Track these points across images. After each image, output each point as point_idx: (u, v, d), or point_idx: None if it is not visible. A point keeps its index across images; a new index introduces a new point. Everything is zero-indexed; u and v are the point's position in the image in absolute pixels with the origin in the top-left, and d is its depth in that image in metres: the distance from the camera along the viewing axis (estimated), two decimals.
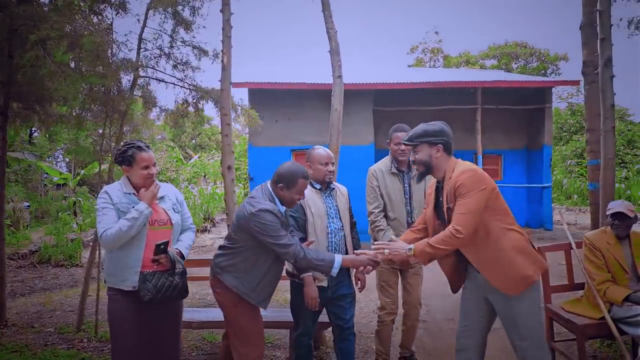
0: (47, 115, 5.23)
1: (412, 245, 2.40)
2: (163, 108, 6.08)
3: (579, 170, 16.84)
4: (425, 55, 30.92)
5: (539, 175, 11.78)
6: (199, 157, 24.22)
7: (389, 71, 15.16)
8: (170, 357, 2.68)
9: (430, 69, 26.43)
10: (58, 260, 8.50)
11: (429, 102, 11.23)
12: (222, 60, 4.30)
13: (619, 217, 3.14)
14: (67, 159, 23.36)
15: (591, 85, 4.22)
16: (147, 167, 2.56)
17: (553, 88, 12.04)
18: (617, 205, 3.17)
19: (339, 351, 3.17)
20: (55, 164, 19.36)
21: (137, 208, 2.46)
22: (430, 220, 2.57)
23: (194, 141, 35.05)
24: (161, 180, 14.45)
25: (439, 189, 2.56)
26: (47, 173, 14.76)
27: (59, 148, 22.59)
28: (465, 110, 11.43)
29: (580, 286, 3.45)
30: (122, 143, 2.70)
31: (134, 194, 2.60)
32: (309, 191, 3.09)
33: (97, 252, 4.86)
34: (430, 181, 2.71)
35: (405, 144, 2.65)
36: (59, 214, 12.79)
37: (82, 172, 13.91)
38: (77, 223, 11.53)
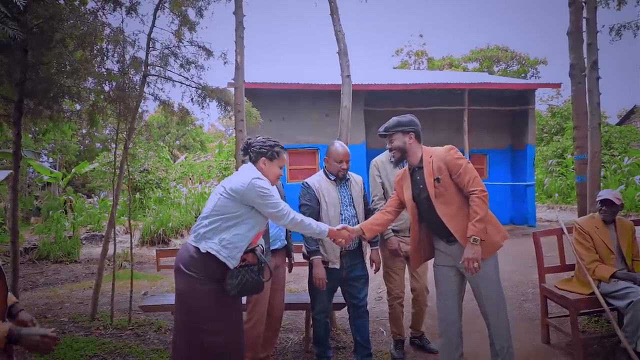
0: (59, 112, 5.36)
1: (471, 238, 2.59)
2: (170, 105, 6.28)
3: (559, 170, 17.47)
4: (410, 57, 31.49)
5: (523, 174, 12.28)
6: (185, 158, 24.22)
7: (379, 73, 15.53)
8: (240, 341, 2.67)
9: (418, 71, 26.94)
10: (57, 257, 8.58)
11: (418, 103, 11.61)
12: (235, 60, 4.53)
13: (607, 204, 3.49)
14: (52, 159, 23.09)
15: (577, 87, 4.59)
16: (281, 168, 2.82)
17: (535, 90, 12.57)
18: (606, 193, 3.52)
19: (354, 327, 3.45)
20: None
21: (322, 230, 2.77)
22: (409, 202, 2.90)
23: (178, 142, 34.89)
24: (151, 180, 14.28)
25: (415, 172, 2.88)
26: (37, 172, 14.62)
27: (42, 149, 22.31)
28: (452, 111, 11.84)
29: (571, 267, 3.80)
30: (261, 137, 2.82)
31: None
32: (324, 181, 3.39)
33: (114, 247, 5.04)
34: (398, 173, 3.08)
35: (381, 135, 2.96)
36: (50, 212, 12.74)
37: (74, 170, 13.86)
38: (69, 221, 11.54)
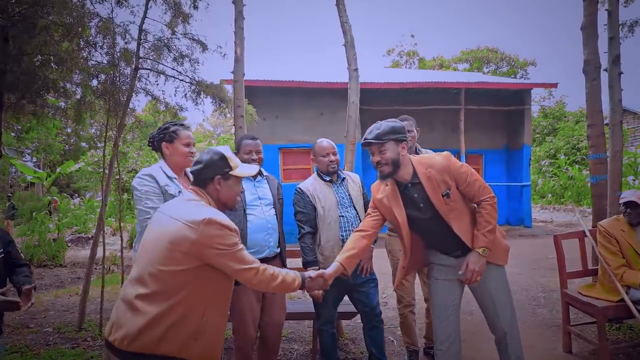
0: (43, 107, 5.03)
1: (480, 249, 2.36)
2: (163, 101, 5.98)
3: (552, 171, 17.46)
4: (402, 58, 31.42)
5: (519, 174, 12.17)
6: None
7: (374, 71, 15.34)
8: None
9: (415, 70, 26.84)
10: (41, 261, 8.19)
11: (414, 102, 11.44)
12: (235, 52, 4.26)
13: (631, 206, 3.30)
14: (36, 158, 22.45)
15: (592, 83, 4.39)
16: (188, 145, 2.57)
17: (531, 90, 12.49)
18: (629, 195, 3.32)
19: (369, 338, 3.19)
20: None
21: None
22: (403, 225, 2.45)
23: None
24: None
25: (408, 189, 2.43)
26: (21, 172, 14.12)
27: (26, 148, 21.68)
28: (448, 111, 11.70)
29: (593, 272, 3.60)
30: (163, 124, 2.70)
31: (175, 179, 2.55)
32: (318, 184, 3.13)
33: (103, 250, 4.72)
34: (377, 187, 2.56)
35: (372, 143, 2.37)
36: (34, 214, 12.29)
37: (58, 170, 13.41)
38: (54, 223, 11.12)
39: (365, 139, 2.42)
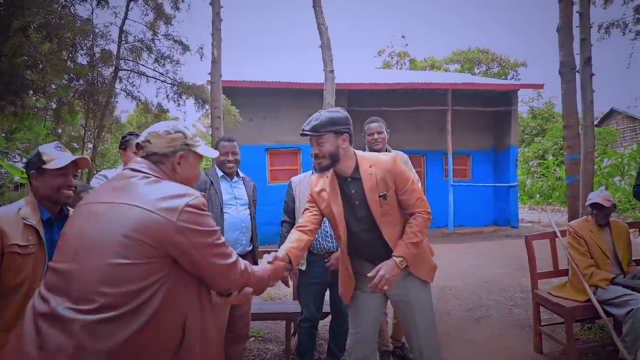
0: (24, 108, 5.00)
1: (398, 259, 2.19)
2: (144, 102, 5.98)
3: (540, 171, 17.59)
4: (392, 58, 31.49)
5: (506, 175, 12.25)
6: None
7: (362, 72, 15.37)
8: None
9: (402, 71, 26.93)
10: None
11: (402, 103, 11.50)
12: (212, 53, 4.26)
13: (597, 207, 3.35)
14: (25, 159, 22.20)
15: (568, 85, 4.45)
16: (136, 153, 2.76)
17: (518, 91, 12.57)
18: (594, 196, 3.38)
19: (332, 336, 3.31)
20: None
21: None
22: (340, 220, 2.31)
23: None
24: None
25: (347, 183, 2.32)
26: (9, 173, 13.96)
27: (16, 149, 21.42)
28: (435, 112, 11.75)
29: (564, 272, 3.64)
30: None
31: None
32: (305, 178, 3.23)
33: None
34: (315, 181, 2.43)
35: (308, 134, 2.23)
36: None
37: None
38: None
39: (302, 129, 2.25)
